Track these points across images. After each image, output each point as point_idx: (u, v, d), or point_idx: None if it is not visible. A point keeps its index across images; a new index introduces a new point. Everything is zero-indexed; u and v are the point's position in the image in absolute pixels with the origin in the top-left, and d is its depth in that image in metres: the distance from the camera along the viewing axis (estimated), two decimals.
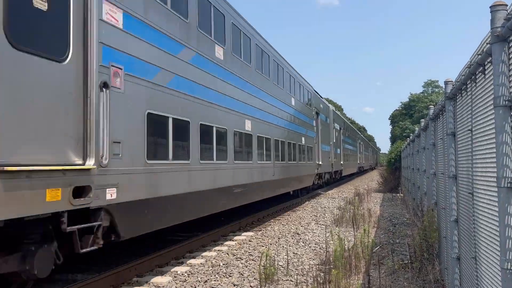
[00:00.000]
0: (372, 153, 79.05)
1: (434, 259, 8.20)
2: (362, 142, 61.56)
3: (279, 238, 12.26)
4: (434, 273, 7.70)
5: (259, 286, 7.63)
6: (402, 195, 23.67)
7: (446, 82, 6.12)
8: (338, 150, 34.44)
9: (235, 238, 12.26)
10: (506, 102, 2.88)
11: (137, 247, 10.39)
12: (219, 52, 11.24)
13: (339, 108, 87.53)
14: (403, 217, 16.26)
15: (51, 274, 8.00)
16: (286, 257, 9.45)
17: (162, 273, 8.56)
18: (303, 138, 21.59)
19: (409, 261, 8.74)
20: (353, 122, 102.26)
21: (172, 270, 8.73)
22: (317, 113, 25.85)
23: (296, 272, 8.61)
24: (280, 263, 9.11)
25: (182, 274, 8.43)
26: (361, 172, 62.48)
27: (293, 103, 19.94)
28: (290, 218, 16.55)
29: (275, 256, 9.68)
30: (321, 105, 27.79)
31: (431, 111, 8.88)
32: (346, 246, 9.03)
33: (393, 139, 71.46)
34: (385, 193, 28.23)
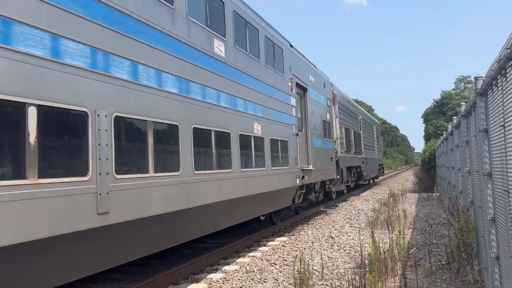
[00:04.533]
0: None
1: (472, 259, 7.99)
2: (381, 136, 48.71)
3: (313, 242, 12.18)
4: (473, 274, 7.51)
5: None
6: (438, 194, 23.15)
7: (476, 78, 5.98)
8: None
9: (269, 243, 12.25)
10: None
11: (171, 256, 10.51)
12: None
13: (369, 109, 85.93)
14: (440, 216, 15.91)
15: (87, 283, 8.21)
16: (320, 261, 9.38)
17: (197, 281, 8.62)
18: (255, 125, 11.27)
19: (447, 262, 8.54)
20: (384, 122, 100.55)
21: (207, 277, 8.79)
22: (303, 88, 16.35)
23: (331, 276, 8.54)
24: (315, 268, 9.05)
25: (217, 281, 8.48)
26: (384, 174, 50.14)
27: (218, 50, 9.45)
28: (324, 221, 16.42)
29: (310, 260, 9.62)
30: (311, 78, 17.54)
31: (463, 108, 8.69)
32: (381, 249, 8.90)
33: (427, 137, 70.04)
34: (420, 193, 27.68)
